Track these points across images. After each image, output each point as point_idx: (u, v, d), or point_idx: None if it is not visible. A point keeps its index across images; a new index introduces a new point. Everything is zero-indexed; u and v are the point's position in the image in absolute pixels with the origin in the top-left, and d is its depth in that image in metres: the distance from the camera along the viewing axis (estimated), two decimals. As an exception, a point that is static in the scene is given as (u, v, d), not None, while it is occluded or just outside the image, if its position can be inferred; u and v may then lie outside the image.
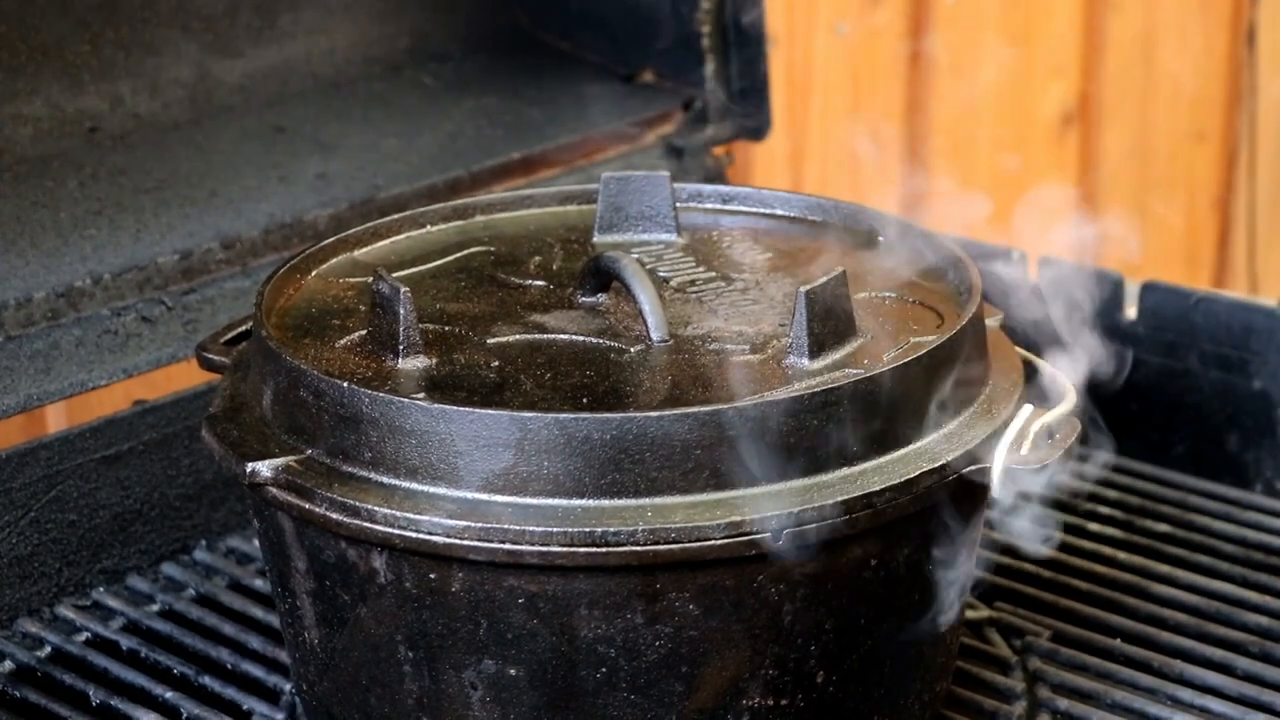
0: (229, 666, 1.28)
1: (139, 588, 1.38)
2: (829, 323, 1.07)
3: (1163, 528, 1.45)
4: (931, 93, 2.45)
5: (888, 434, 1.03)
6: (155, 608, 1.36)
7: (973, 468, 1.05)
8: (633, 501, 0.99)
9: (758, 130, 1.76)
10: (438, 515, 1.00)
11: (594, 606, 1.00)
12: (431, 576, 1.01)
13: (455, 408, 1.01)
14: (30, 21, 1.51)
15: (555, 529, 0.98)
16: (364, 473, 1.03)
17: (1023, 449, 1.06)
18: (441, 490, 1.01)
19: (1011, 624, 1.31)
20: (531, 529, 0.98)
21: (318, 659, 1.10)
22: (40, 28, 1.51)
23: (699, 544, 0.98)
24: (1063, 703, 1.22)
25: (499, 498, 1.00)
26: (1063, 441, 1.07)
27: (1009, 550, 1.41)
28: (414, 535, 1.00)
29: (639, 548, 0.98)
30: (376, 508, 1.01)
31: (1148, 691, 1.23)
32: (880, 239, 1.24)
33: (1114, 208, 2.70)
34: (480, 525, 0.99)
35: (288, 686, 1.25)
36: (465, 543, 1.00)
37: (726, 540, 0.98)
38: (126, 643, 1.31)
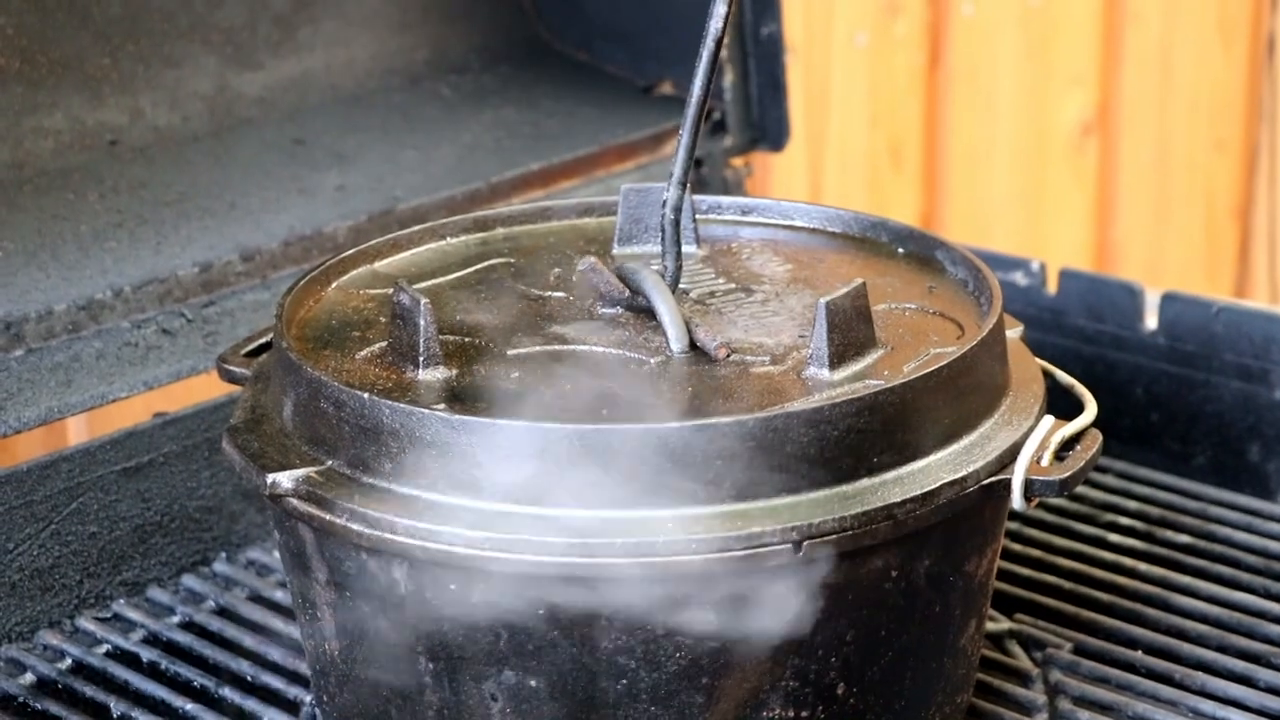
0: (249, 678, 1.28)
1: (159, 599, 1.38)
2: (849, 334, 1.07)
3: (1184, 539, 1.44)
4: (950, 103, 2.44)
5: (908, 445, 1.03)
6: (175, 619, 1.36)
7: (993, 479, 1.05)
8: (654, 513, 0.99)
9: (777, 141, 1.76)
10: (458, 526, 1.00)
11: (614, 618, 1.00)
12: (452, 588, 1.01)
13: (476, 419, 1.01)
14: (50, 35, 1.51)
15: (576, 541, 0.98)
16: (384, 484, 1.03)
17: (1043, 460, 1.06)
18: (462, 501, 1.01)
19: (1032, 636, 1.31)
20: (552, 540, 0.98)
21: (338, 670, 1.10)
22: (60, 41, 1.52)
23: (720, 555, 0.98)
24: (1084, 715, 1.21)
25: (520, 509, 1.00)
26: (1083, 453, 1.07)
27: (1030, 561, 1.41)
28: (434, 546, 1.00)
29: (660, 559, 0.98)
30: (397, 519, 1.01)
31: (1169, 704, 1.23)
32: (899, 250, 1.24)
33: (1133, 218, 2.69)
34: (501, 537, 0.99)
35: (308, 698, 1.25)
36: (486, 554, 1.00)
37: (747, 552, 0.98)
38: (147, 655, 1.31)
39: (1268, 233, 2.79)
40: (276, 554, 1.40)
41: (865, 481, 1.01)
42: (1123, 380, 1.56)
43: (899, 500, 1.01)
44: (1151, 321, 1.55)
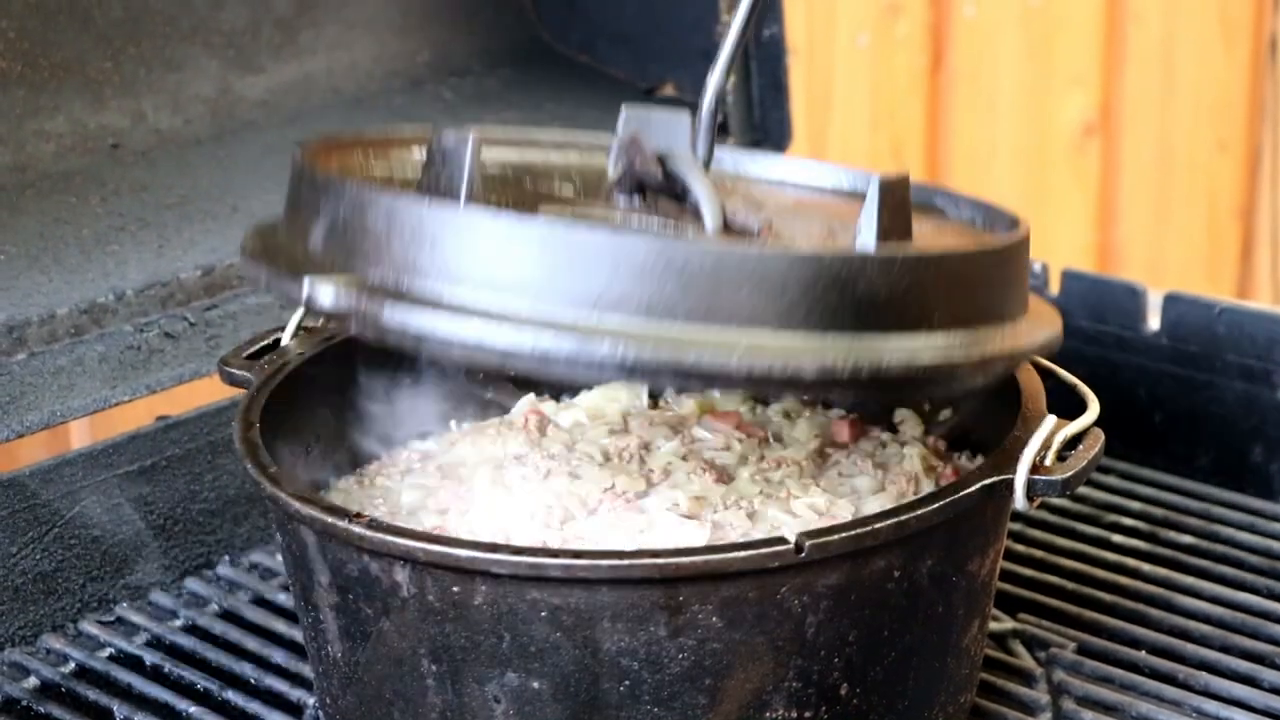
0: (252, 681, 1.28)
1: (162, 603, 1.39)
2: (897, 216, 1.04)
3: (1187, 539, 1.44)
4: (952, 104, 2.45)
5: (964, 314, 1.01)
6: (179, 623, 1.36)
7: (996, 479, 1.05)
8: (709, 330, 0.96)
9: (779, 142, 1.76)
10: (512, 329, 0.94)
11: (617, 619, 1.00)
12: (454, 590, 1.01)
13: (551, 220, 0.96)
14: (52, 38, 1.51)
15: (648, 353, 0.94)
16: (434, 293, 0.97)
17: (1046, 460, 1.06)
18: (525, 310, 0.95)
19: (1035, 636, 1.31)
20: (608, 351, 0.94)
21: (341, 673, 1.10)
22: (62, 44, 1.52)
23: (763, 375, 0.96)
24: (1087, 715, 1.21)
25: (580, 314, 0.95)
26: (1085, 452, 1.07)
27: (1033, 562, 1.41)
28: (437, 550, 1.00)
29: (661, 560, 0.98)
30: (452, 322, 0.96)
31: (1173, 704, 1.23)
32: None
33: (1135, 218, 2.69)
34: (554, 340, 0.96)
35: (311, 701, 1.25)
36: (488, 556, 1.00)
37: (788, 376, 0.95)
38: (150, 658, 1.31)
39: (1270, 233, 2.79)
40: (279, 557, 1.40)
41: (927, 336, 0.99)
42: (1125, 381, 1.56)
43: (960, 360, 1.00)
44: (1154, 322, 1.55)
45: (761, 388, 0.97)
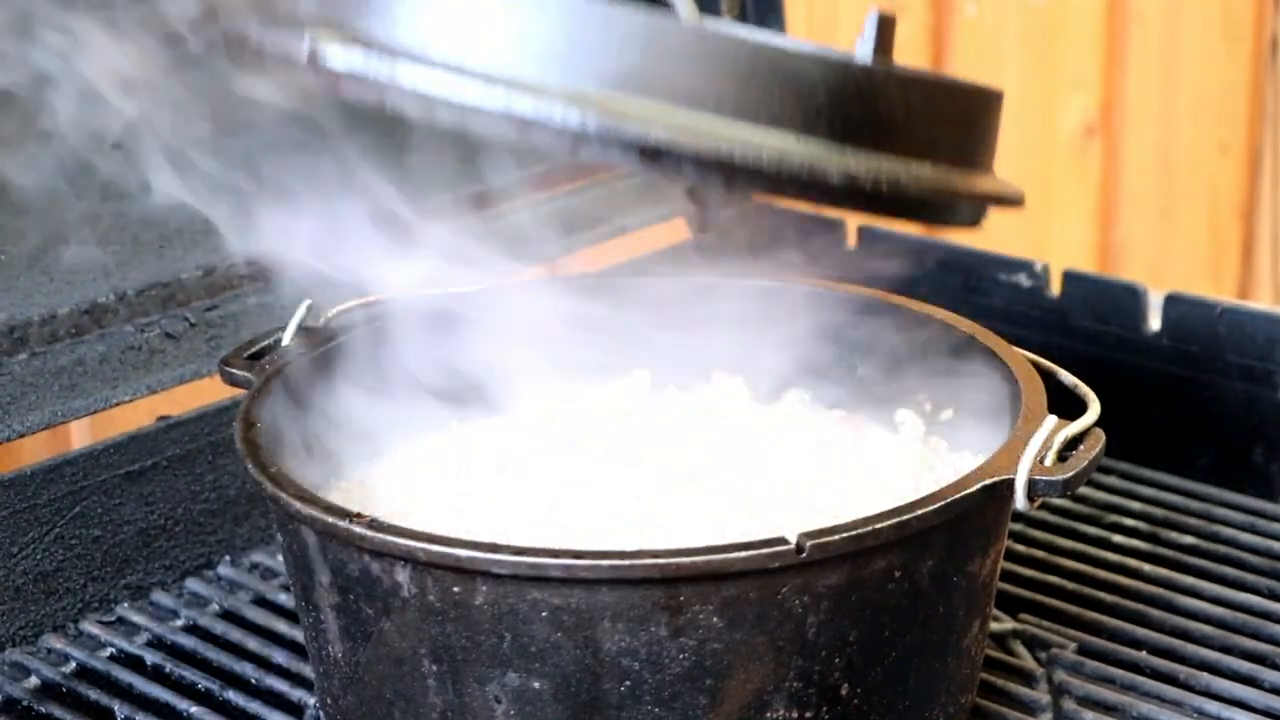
0: (253, 681, 1.28)
1: (163, 603, 1.39)
2: (888, 43, 1.01)
3: (1188, 540, 1.44)
4: (953, 105, 2.44)
5: (960, 154, 1.01)
6: (179, 623, 1.36)
7: (996, 479, 1.05)
8: (751, 128, 0.93)
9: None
10: (523, 92, 0.89)
11: (618, 619, 1.00)
12: (455, 590, 1.02)
13: None
14: (53, 39, 1.51)
15: (681, 139, 0.91)
16: (452, 54, 0.90)
17: (1046, 460, 1.06)
18: (550, 82, 0.91)
19: (1036, 636, 1.31)
20: (632, 130, 0.91)
21: (341, 673, 1.10)
22: (63, 45, 1.52)
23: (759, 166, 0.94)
24: (1088, 715, 1.22)
25: (613, 94, 0.92)
26: (1086, 452, 1.07)
27: (1034, 562, 1.41)
28: (437, 549, 1.00)
29: (662, 560, 0.98)
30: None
31: (1174, 704, 1.23)
32: None
33: (1137, 219, 2.69)
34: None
35: (312, 701, 1.25)
36: (488, 556, 1.00)
37: (840, 181, 0.94)
38: (151, 658, 1.32)
39: (1271, 234, 2.79)
40: (280, 557, 1.40)
41: (931, 165, 0.98)
42: (1126, 381, 1.56)
43: (962, 188, 1.00)
44: (1155, 323, 1.55)
45: (783, 189, 0.94)
